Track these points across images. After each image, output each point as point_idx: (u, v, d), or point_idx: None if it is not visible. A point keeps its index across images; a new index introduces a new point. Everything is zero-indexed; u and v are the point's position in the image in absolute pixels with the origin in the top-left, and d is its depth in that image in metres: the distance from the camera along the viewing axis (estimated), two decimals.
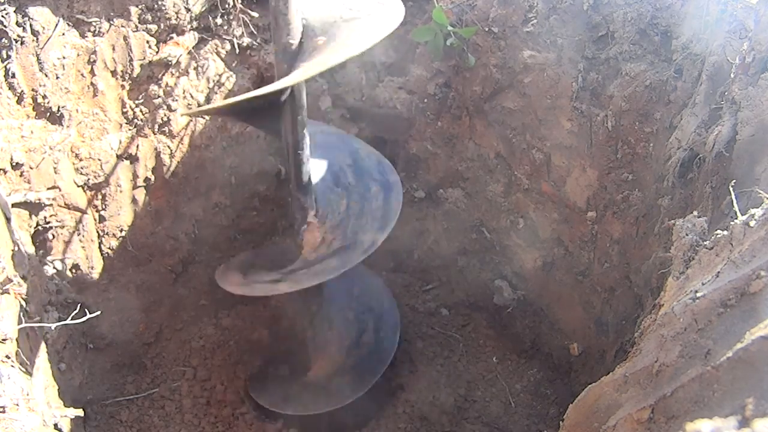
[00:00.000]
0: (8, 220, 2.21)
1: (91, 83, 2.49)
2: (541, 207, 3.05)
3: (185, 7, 2.62)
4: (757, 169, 1.72)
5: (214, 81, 2.86)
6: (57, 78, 2.36)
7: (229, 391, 3.01)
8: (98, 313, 2.47)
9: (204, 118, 2.88)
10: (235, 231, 3.27)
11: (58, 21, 2.31)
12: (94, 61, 2.46)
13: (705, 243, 1.53)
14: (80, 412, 2.35)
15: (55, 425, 2.19)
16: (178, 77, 2.74)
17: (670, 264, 1.70)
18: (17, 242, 2.23)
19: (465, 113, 3.16)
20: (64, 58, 2.36)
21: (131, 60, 2.56)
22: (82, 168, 2.56)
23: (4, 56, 2.19)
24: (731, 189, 1.65)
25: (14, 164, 2.29)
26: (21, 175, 2.34)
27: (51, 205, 2.48)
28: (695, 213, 1.72)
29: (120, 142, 2.66)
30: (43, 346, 2.34)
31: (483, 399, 3.08)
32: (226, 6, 2.76)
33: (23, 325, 2.09)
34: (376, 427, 2.95)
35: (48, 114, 2.39)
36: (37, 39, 2.26)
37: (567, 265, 3.01)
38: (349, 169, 2.80)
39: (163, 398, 2.96)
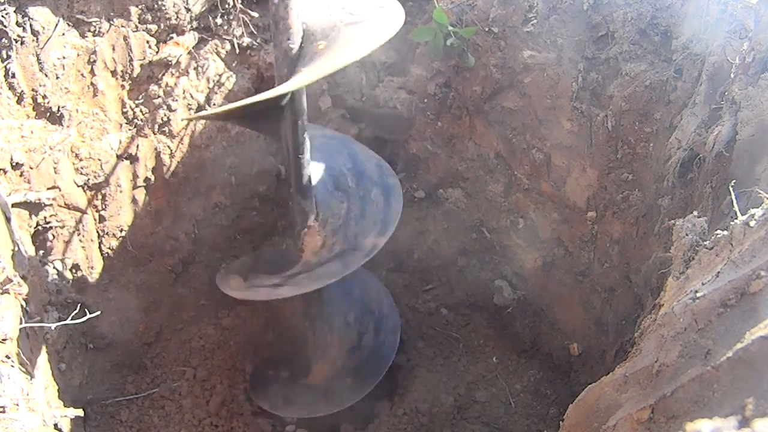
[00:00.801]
0: (8, 220, 2.21)
1: (91, 83, 2.49)
2: (541, 207, 3.05)
3: (185, 7, 2.62)
4: (757, 169, 1.72)
5: (214, 81, 2.86)
6: (57, 78, 2.36)
7: (229, 392, 3.01)
8: (98, 313, 2.47)
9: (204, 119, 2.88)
10: (235, 231, 3.27)
11: (58, 21, 2.31)
12: (94, 61, 2.46)
13: (705, 243, 1.53)
14: (80, 412, 2.35)
15: (55, 425, 2.19)
16: (178, 77, 2.74)
17: (670, 264, 1.70)
18: (17, 242, 2.22)
19: (465, 113, 3.16)
20: (64, 58, 2.36)
21: (131, 60, 2.56)
22: (82, 168, 2.56)
23: (4, 56, 2.19)
24: (731, 189, 1.65)
25: (14, 164, 2.29)
26: (21, 175, 2.34)
27: (51, 205, 2.48)
28: (695, 213, 1.72)
29: (120, 142, 2.66)
30: (43, 346, 2.34)
31: (483, 399, 3.08)
32: (226, 6, 2.76)
33: (23, 325, 2.09)
34: (377, 427, 2.95)
35: (48, 114, 2.39)
36: (37, 39, 2.26)
37: (567, 265, 3.01)
38: (349, 173, 2.81)
39: (163, 398, 2.96)
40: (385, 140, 3.43)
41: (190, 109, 2.82)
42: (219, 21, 2.78)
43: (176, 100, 2.74)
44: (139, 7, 2.50)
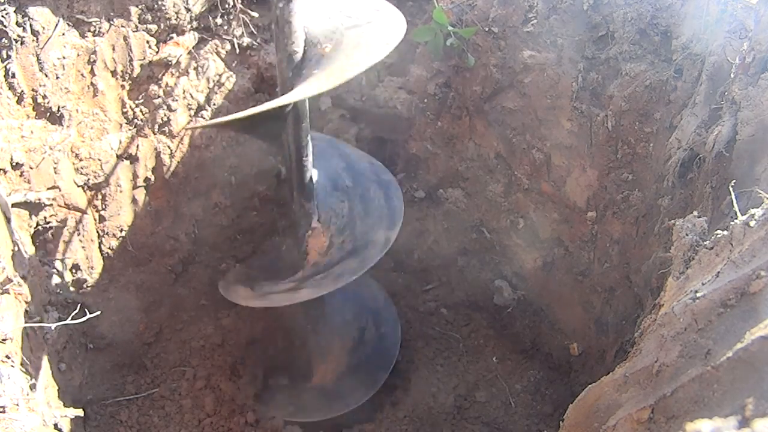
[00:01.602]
0: (8, 220, 2.21)
1: (91, 83, 2.49)
2: (541, 207, 3.05)
3: (185, 7, 2.62)
4: (757, 169, 1.72)
5: (214, 81, 2.86)
6: (57, 78, 2.36)
7: (229, 392, 3.00)
8: (98, 313, 2.47)
9: (204, 118, 2.88)
10: (235, 231, 3.27)
11: (58, 21, 2.31)
12: (94, 61, 2.46)
13: (705, 243, 1.53)
14: (80, 412, 2.35)
15: (55, 425, 2.19)
16: (178, 77, 2.74)
17: (670, 264, 1.70)
18: (17, 242, 2.23)
19: (465, 113, 3.16)
20: (64, 58, 2.36)
21: (131, 60, 2.56)
22: (82, 168, 2.56)
23: (4, 56, 2.19)
24: (731, 189, 1.65)
25: (14, 164, 2.29)
26: (21, 175, 2.34)
27: (51, 205, 2.48)
28: (695, 213, 1.72)
29: (120, 142, 2.66)
30: (43, 346, 2.34)
31: (483, 399, 3.08)
32: (226, 6, 2.76)
33: (23, 325, 2.09)
34: (377, 427, 2.95)
35: (48, 114, 2.38)
36: (37, 39, 2.26)
37: (567, 265, 3.02)
38: (345, 173, 2.82)
39: (163, 398, 2.96)
40: (385, 140, 3.43)
41: (190, 109, 2.82)
42: (219, 21, 2.78)
43: (176, 100, 2.74)
44: (139, 7, 2.49)
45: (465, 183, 3.35)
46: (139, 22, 2.53)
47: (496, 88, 2.97)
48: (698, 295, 1.34)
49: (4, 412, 1.59)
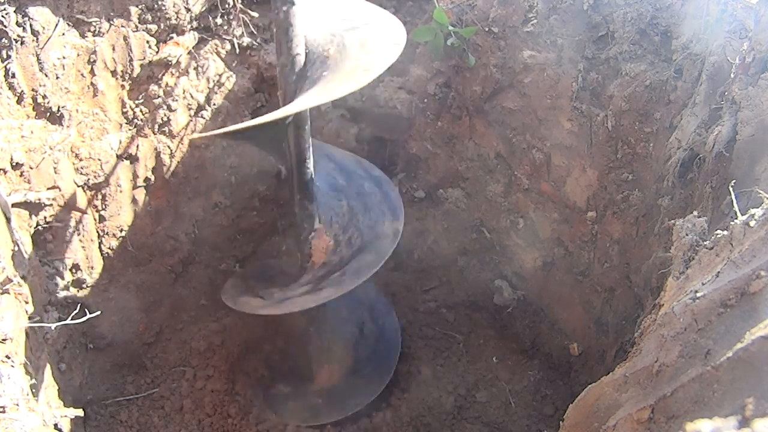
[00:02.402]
0: (8, 220, 2.21)
1: (91, 83, 2.49)
2: (541, 207, 3.05)
3: (185, 7, 2.62)
4: (757, 169, 1.72)
5: (214, 81, 2.86)
6: (57, 78, 2.36)
7: (229, 391, 3.00)
8: (98, 313, 2.47)
9: (204, 118, 2.88)
10: (235, 231, 3.27)
11: (58, 21, 2.31)
12: (94, 61, 2.46)
13: (705, 243, 1.53)
14: (80, 412, 2.35)
15: (55, 425, 2.20)
16: (178, 77, 2.74)
17: (670, 264, 1.70)
18: (17, 242, 2.23)
19: (465, 113, 3.16)
20: (64, 58, 2.36)
21: (131, 60, 2.56)
22: (82, 168, 2.56)
23: (4, 56, 2.19)
24: (731, 189, 1.64)
25: (14, 164, 2.29)
26: (21, 175, 2.34)
27: (51, 205, 2.48)
28: (695, 213, 1.72)
29: (120, 142, 2.66)
30: (43, 346, 2.34)
31: (483, 399, 3.08)
32: (226, 6, 2.76)
33: (23, 325, 2.09)
34: (377, 427, 2.95)
35: (48, 114, 2.38)
36: (37, 39, 2.26)
37: (567, 265, 3.02)
38: (335, 172, 2.82)
39: (163, 398, 2.96)
40: (385, 140, 3.43)
41: (189, 108, 2.82)
42: (219, 21, 2.78)
43: (176, 100, 2.74)
44: (139, 7, 2.50)
45: (465, 183, 3.35)
46: (139, 22, 2.53)
47: (496, 88, 2.97)
48: (698, 295, 1.34)
49: (4, 412, 1.59)
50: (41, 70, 2.30)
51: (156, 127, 2.75)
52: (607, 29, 2.55)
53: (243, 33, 2.89)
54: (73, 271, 2.67)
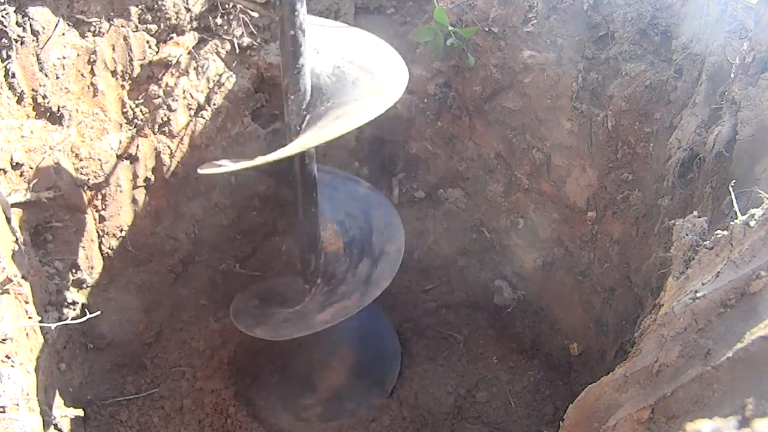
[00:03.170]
0: (8, 220, 2.21)
1: (91, 83, 2.49)
2: (541, 207, 3.05)
3: (185, 7, 2.62)
4: (757, 169, 1.72)
5: (214, 81, 2.86)
6: (57, 78, 2.36)
7: (229, 392, 3.00)
8: (98, 313, 2.47)
9: (204, 118, 2.88)
10: (235, 231, 3.27)
11: (58, 21, 2.31)
12: (94, 61, 2.46)
13: (705, 243, 1.53)
14: (80, 412, 2.35)
15: (55, 425, 2.20)
16: (178, 77, 2.74)
17: (670, 264, 1.70)
18: (17, 242, 2.23)
19: (465, 113, 3.16)
20: (64, 58, 2.36)
21: (131, 60, 2.56)
22: (82, 168, 2.56)
23: (4, 56, 2.19)
24: (731, 189, 1.65)
25: (14, 164, 2.29)
26: (21, 175, 2.34)
27: (51, 205, 2.48)
28: (695, 213, 1.72)
29: (120, 142, 2.66)
30: (43, 346, 2.34)
31: (483, 399, 3.08)
32: (226, 6, 2.76)
33: (23, 325, 2.09)
34: (377, 427, 2.95)
35: (48, 114, 2.38)
36: (37, 39, 2.26)
37: (567, 265, 3.01)
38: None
39: (163, 398, 2.96)
40: (385, 140, 3.43)
41: (189, 108, 2.82)
42: (219, 21, 2.78)
43: (176, 100, 2.74)
44: (139, 7, 2.49)
45: (465, 183, 3.35)
46: (139, 22, 2.53)
47: (496, 88, 2.97)
48: (698, 295, 1.34)
49: (4, 412, 1.59)
50: (41, 70, 2.30)
51: (156, 127, 2.75)
52: (607, 29, 2.55)
53: (243, 33, 2.88)
54: (73, 271, 2.67)
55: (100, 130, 2.58)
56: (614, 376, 1.54)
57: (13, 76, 2.22)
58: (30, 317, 2.21)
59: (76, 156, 2.53)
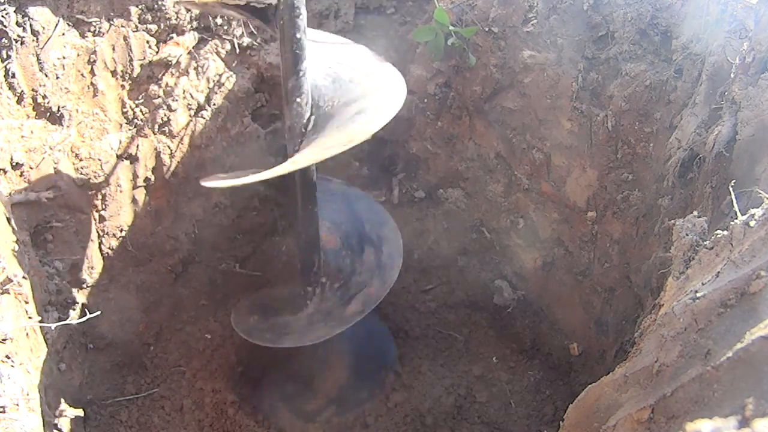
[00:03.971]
0: (8, 220, 2.21)
1: (91, 83, 2.49)
2: (541, 207, 3.05)
3: (185, 7, 2.62)
4: (757, 169, 1.72)
5: (214, 81, 2.86)
6: (57, 78, 2.36)
7: (229, 392, 3.00)
8: (98, 313, 2.47)
9: (204, 118, 2.88)
10: (235, 231, 3.27)
11: (58, 21, 2.31)
12: (94, 61, 2.46)
13: (705, 243, 1.53)
14: (80, 412, 2.35)
15: (55, 425, 2.20)
16: (178, 77, 2.74)
17: (670, 264, 1.70)
18: (17, 242, 2.23)
19: (465, 113, 3.16)
20: (64, 58, 2.36)
21: (131, 60, 2.56)
22: (82, 168, 2.56)
23: (4, 56, 2.19)
24: (731, 189, 1.65)
25: (14, 164, 2.29)
26: (21, 175, 2.34)
27: (51, 205, 2.48)
28: (695, 213, 1.72)
29: (120, 142, 2.66)
30: (43, 346, 2.34)
31: (483, 399, 3.08)
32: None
33: (23, 325, 2.09)
34: (377, 427, 2.95)
35: (48, 114, 2.39)
36: (37, 39, 2.26)
37: (567, 265, 3.01)
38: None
39: (163, 398, 2.96)
40: (385, 140, 3.43)
41: (189, 108, 2.82)
42: (219, 21, 2.78)
43: (176, 100, 2.74)
44: (139, 7, 2.50)
45: (465, 183, 3.35)
46: (139, 22, 2.53)
47: (496, 88, 2.97)
48: (698, 295, 1.34)
49: (4, 412, 1.59)
50: (41, 70, 2.30)
51: (156, 127, 2.75)
52: (607, 29, 2.55)
53: (243, 33, 2.89)
54: (73, 271, 2.67)
55: (100, 130, 2.58)
56: (614, 376, 1.54)
57: (13, 76, 2.22)
58: (30, 317, 2.21)
59: (76, 156, 2.53)
